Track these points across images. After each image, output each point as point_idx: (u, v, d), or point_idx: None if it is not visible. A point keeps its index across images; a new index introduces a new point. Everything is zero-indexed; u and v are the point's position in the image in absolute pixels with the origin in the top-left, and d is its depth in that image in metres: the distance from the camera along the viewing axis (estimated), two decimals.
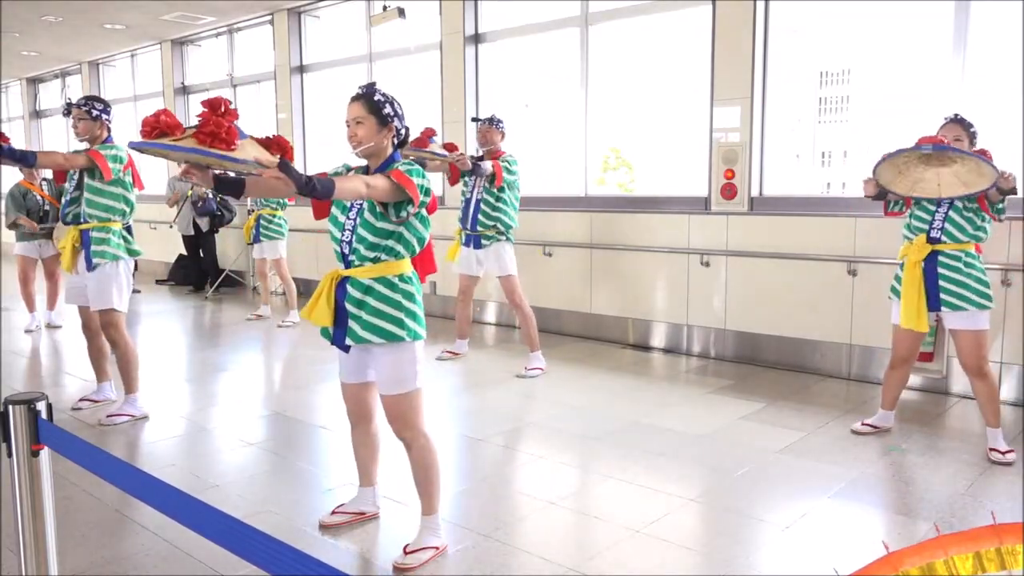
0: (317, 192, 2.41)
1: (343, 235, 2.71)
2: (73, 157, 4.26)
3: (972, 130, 3.78)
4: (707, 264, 5.77)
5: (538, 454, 3.92)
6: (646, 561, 2.79)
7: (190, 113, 10.53)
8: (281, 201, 7.31)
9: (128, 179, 4.38)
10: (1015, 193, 3.51)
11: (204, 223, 9.20)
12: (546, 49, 7.28)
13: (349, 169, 2.86)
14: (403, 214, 2.65)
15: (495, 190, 5.32)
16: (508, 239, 5.44)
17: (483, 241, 5.41)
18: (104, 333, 4.47)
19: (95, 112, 4.35)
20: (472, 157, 5.28)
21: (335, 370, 2.98)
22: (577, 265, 6.54)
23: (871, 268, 5.00)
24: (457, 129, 7.26)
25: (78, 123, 4.33)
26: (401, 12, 7.40)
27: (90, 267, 4.31)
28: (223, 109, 2.59)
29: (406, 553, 2.75)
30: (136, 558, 2.83)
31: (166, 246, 10.40)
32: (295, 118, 9.15)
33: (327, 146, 9.04)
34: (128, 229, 4.48)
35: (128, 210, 4.43)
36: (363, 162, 2.81)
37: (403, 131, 2.79)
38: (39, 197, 6.97)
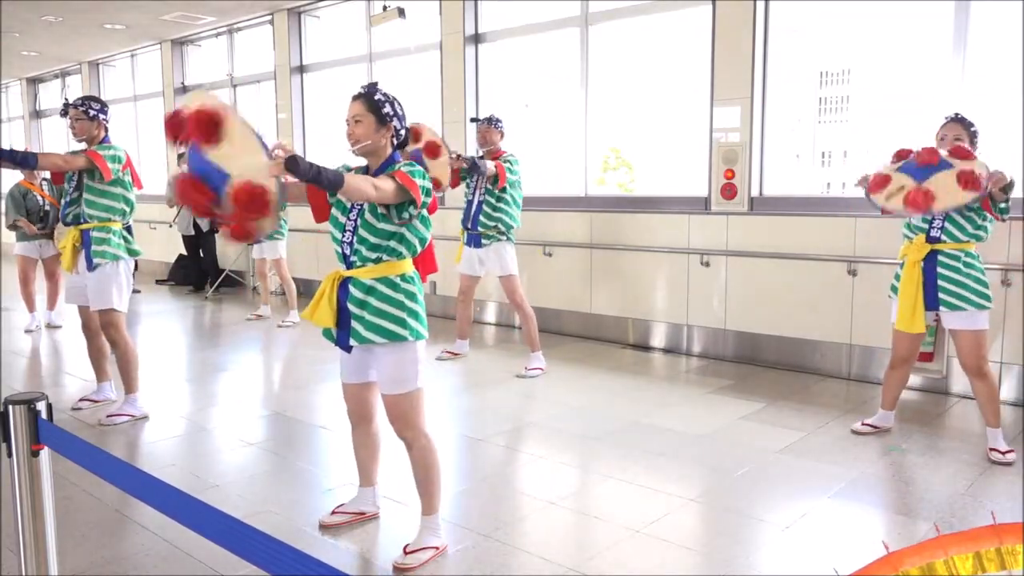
0: (323, 183, 2.41)
1: (344, 236, 2.71)
2: (72, 158, 4.26)
3: (972, 129, 3.78)
4: (707, 264, 5.77)
5: (538, 454, 3.93)
6: (646, 561, 2.79)
7: None
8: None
9: (127, 179, 4.39)
10: (1012, 187, 3.50)
11: (204, 223, 9.20)
12: (546, 49, 7.27)
13: (349, 169, 2.84)
14: (405, 215, 2.65)
15: (497, 191, 5.32)
16: (509, 239, 5.44)
17: (484, 241, 5.42)
18: (104, 333, 4.47)
19: (92, 112, 4.35)
20: (469, 157, 5.26)
21: (335, 370, 2.98)
22: (577, 265, 6.54)
23: (871, 268, 5.00)
24: (457, 129, 7.26)
25: (75, 123, 4.33)
26: (401, 12, 7.40)
27: (90, 267, 4.32)
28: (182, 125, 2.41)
29: (406, 553, 2.75)
30: (136, 558, 2.83)
31: (166, 246, 10.40)
32: (295, 118, 9.15)
33: (327, 146, 9.03)
34: (128, 229, 4.49)
35: (128, 210, 4.43)
36: (362, 161, 2.79)
37: (403, 131, 2.79)
38: (39, 197, 6.98)
